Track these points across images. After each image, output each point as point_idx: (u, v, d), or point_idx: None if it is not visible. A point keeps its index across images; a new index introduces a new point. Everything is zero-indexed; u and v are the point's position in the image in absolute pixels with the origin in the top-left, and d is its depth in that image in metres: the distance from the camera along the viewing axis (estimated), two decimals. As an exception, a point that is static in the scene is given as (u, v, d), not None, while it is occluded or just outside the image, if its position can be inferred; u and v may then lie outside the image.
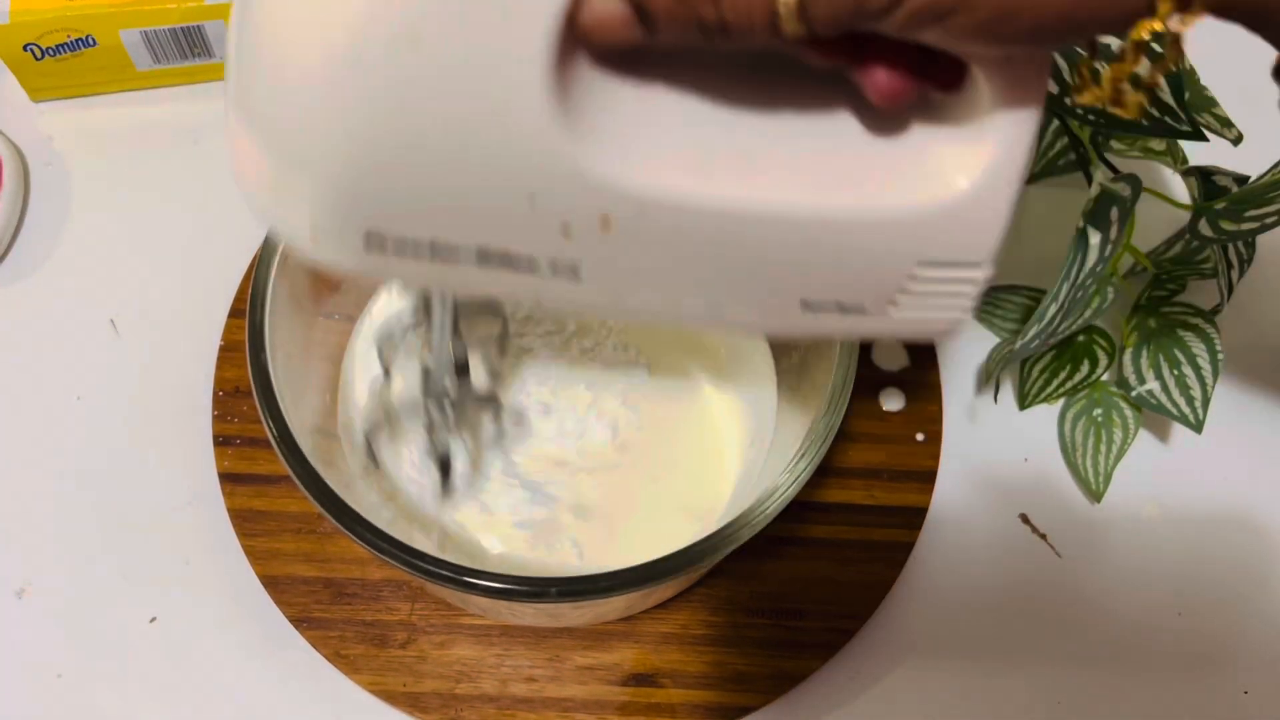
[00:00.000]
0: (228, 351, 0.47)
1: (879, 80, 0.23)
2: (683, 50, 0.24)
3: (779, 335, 0.29)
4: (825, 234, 0.26)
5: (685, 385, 0.44)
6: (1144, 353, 0.45)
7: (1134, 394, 0.45)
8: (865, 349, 0.48)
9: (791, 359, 0.42)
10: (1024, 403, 0.47)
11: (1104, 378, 0.46)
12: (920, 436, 0.46)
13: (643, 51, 0.24)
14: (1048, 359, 0.47)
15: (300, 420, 0.35)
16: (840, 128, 0.26)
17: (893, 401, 0.47)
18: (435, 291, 0.35)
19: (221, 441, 0.45)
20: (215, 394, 0.46)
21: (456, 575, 0.31)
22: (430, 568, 0.31)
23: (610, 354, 0.44)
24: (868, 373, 0.48)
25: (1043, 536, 0.46)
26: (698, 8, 0.22)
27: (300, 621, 0.42)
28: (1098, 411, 0.46)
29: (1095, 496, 0.46)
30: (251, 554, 0.43)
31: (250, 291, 0.35)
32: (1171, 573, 0.45)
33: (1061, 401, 0.47)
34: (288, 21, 0.23)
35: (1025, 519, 0.46)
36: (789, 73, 0.25)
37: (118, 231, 0.51)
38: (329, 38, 0.22)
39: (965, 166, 0.25)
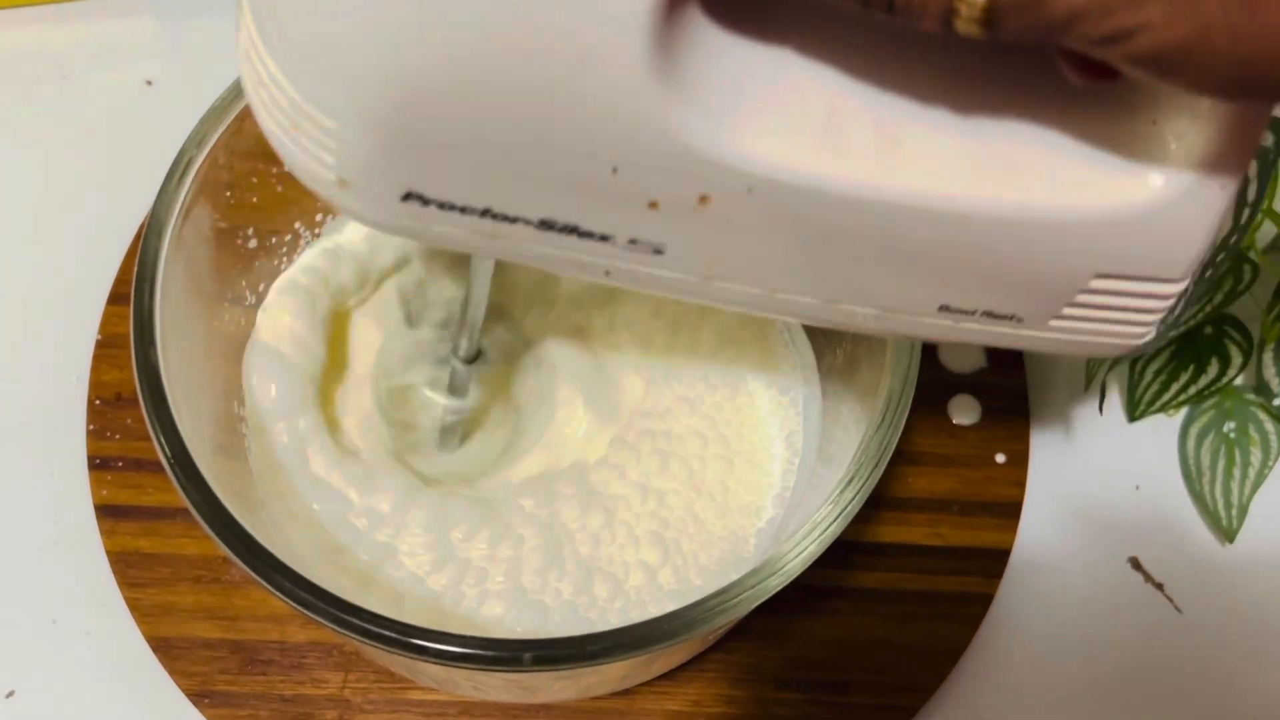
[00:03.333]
0: (106, 348, 0.47)
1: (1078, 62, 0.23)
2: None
3: (910, 336, 0.30)
4: (981, 235, 0.26)
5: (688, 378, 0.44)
6: (1291, 350, 0.45)
7: (1277, 403, 0.45)
8: (930, 346, 0.48)
9: (836, 357, 0.42)
10: (1134, 413, 0.47)
11: (1238, 382, 0.46)
12: (1001, 458, 0.47)
13: None
14: (1165, 357, 0.47)
15: (201, 436, 0.35)
16: (1010, 106, 0.26)
17: (965, 413, 0.47)
18: (478, 260, 0.36)
19: (98, 464, 0.45)
20: (90, 403, 0.46)
21: (403, 636, 0.31)
22: (369, 626, 0.31)
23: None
24: (933, 376, 0.48)
25: (1159, 587, 0.46)
26: None
27: (200, 696, 0.42)
28: (1229, 426, 0.46)
29: (1227, 535, 0.46)
30: (137, 609, 0.43)
31: (136, 270, 0.35)
32: (1325, 633, 0.45)
33: (1183, 413, 0.47)
34: None
35: (1136, 564, 0.46)
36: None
37: (-36, 193, 0.51)
38: None
39: (1169, 160, 0.25)
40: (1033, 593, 0.45)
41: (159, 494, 0.44)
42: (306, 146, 0.26)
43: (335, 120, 0.25)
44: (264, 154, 0.39)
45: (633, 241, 0.27)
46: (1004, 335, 0.29)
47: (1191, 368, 0.46)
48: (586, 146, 0.25)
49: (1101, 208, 0.26)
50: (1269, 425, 0.46)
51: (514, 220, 0.27)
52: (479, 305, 0.38)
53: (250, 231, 0.41)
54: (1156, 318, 0.28)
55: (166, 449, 0.33)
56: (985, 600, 0.44)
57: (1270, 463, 0.45)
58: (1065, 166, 0.26)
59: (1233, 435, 0.46)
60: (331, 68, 0.24)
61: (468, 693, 0.42)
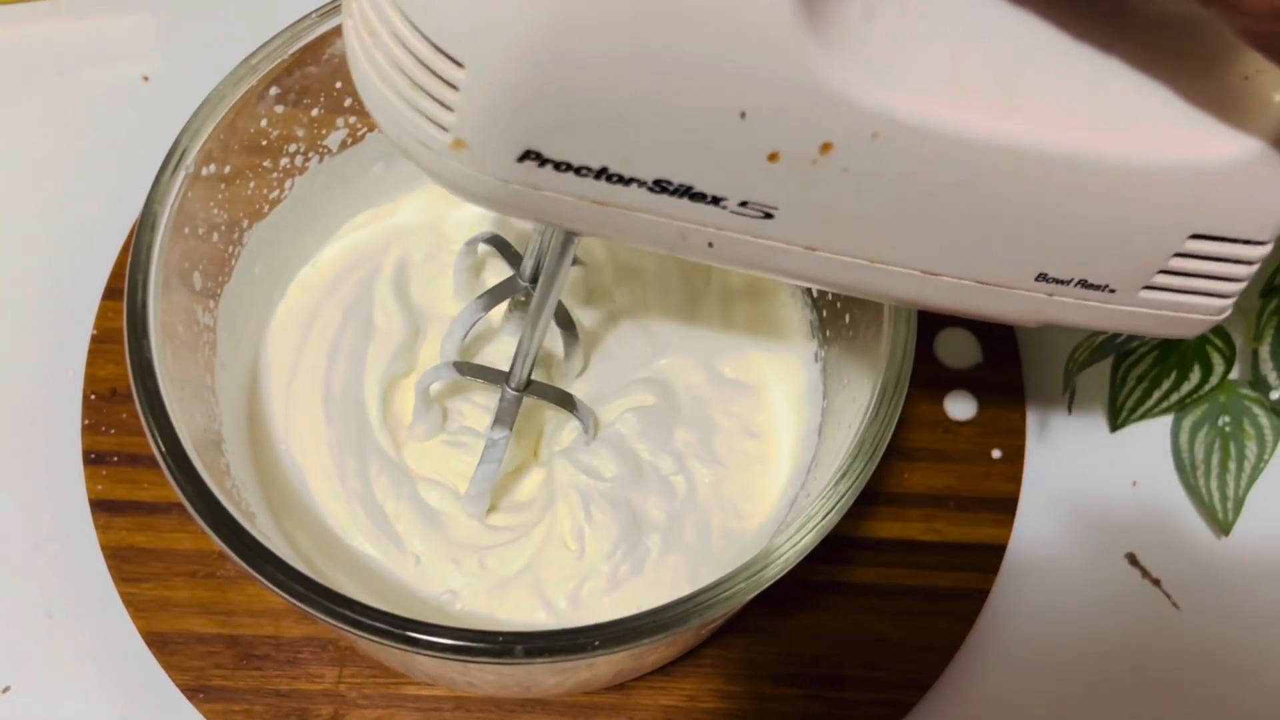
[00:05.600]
0: (102, 343, 0.47)
1: None
2: None
3: (996, 315, 0.32)
4: (1088, 186, 0.27)
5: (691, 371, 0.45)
6: (1286, 344, 0.45)
7: (1274, 396, 0.45)
8: (926, 340, 0.48)
9: (831, 349, 0.42)
10: (1117, 420, 0.47)
11: (1233, 376, 0.46)
12: (997, 453, 0.47)
13: None
14: (1148, 362, 0.47)
15: (196, 431, 0.35)
16: (1117, 63, 0.27)
17: (962, 408, 0.47)
18: (559, 247, 0.35)
19: (94, 459, 0.45)
20: (85, 398, 0.46)
21: (396, 629, 0.31)
22: (362, 619, 0.31)
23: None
24: (930, 372, 0.48)
25: (1156, 582, 0.46)
26: None
27: (195, 691, 0.42)
28: (1224, 420, 0.46)
29: (1222, 528, 0.46)
30: (132, 604, 0.43)
31: (129, 262, 0.35)
32: (1322, 629, 0.45)
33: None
34: None
35: (1133, 559, 0.46)
36: None
37: (-40, 188, 0.51)
38: None
39: (1262, 117, 0.26)
40: (1029, 588, 0.45)
41: (154, 489, 0.44)
42: (425, 107, 0.25)
43: (467, 65, 0.24)
44: (258, 147, 0.40)
45: (744, 204, 0.27)
46: (1094, 310, 0.30)
47: (1174, 374, 0.46)
48: (721, 86, 0.25)
49: (1199, 161, 0.27)
50: (1264, 419, 0.46)
51: (629, 182, 0.27)
52: (539, 336, 0.37)
53: (246, 224, 0.41)
54: (1238, 287, 0.30)
55: (160, 442, 0.33)
56: (981, 596, 0.44)
57: (1266, 456, 0.46)
58: (1168, 121, 0.27)
59: (1228, 429, 0.46)
60: (468, 11, 0.24)
61: (462, 688, 0.42)
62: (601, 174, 0.26)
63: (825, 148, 0.26)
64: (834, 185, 0.27)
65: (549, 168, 0.26)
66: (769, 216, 0.28)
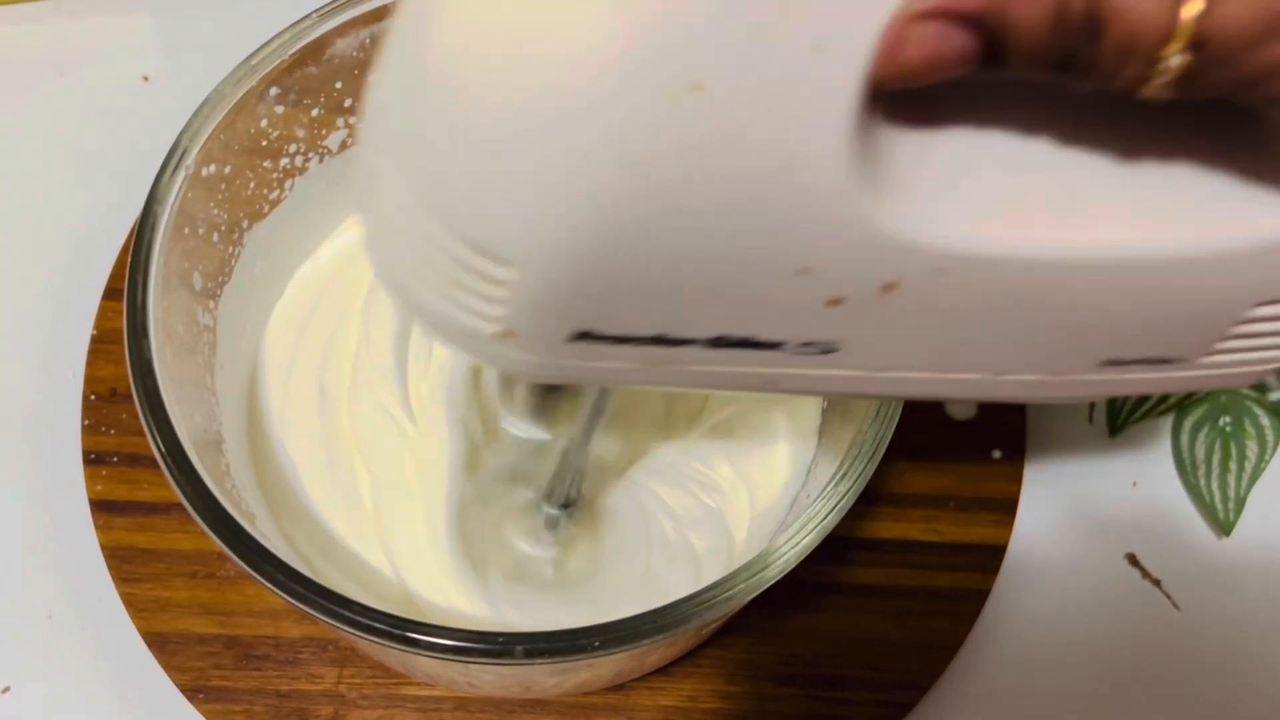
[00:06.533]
0: (102, 343, 0.47)
1: None
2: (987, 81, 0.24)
3: (1054, 401, 0.31)
4: (1161, 279, 0.27)
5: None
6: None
7: (1274, 397, 0.45)
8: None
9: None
10: (1116, 424, 0.47)
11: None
12: (997, 454, 0.47)
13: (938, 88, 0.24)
14: None
15: (196, 431, 0.35)
16: (1168, 151, 0.26)
17: (962, 409, 0.47)
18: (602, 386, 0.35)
19: (94, 459, 0.45)
20: (85, 398, 0.46)
21: (396, 629, 0.31)
22: (363, 619, 0.31)
23: None
24: (930, 371, 0.48)
25: (1156, 583, 0.46)
26: (1073, 42, 0.21)
27: (195, 692, 0.42)
28: (1225, 420, 0.46)
29: (1223, 529, 0.46)
30: (132, 604, 0.43)
31: (129, 262, 0.35)
32: (1322, 629, 0.45)
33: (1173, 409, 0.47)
34: (509, 46, 0.21)
35: (1133, 560, 0.46)
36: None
37: (-40, 188, 0.51)
38: (575, 72, 0.21)
39: None
40: (1029, 589, 0.45)
41: (154, 489, 0.44)
42: (467, 303, 0.25)
43: (512, 267, 0.24)
44: (258, 148, 0.40)
45: (805, 345, 0.27)
46: (1159, 380, 0.30)
47: (1172, 375, 0.46)
48: (778, 251, 0.24)
49: (1268, 235, 0.26)
50: (1265, 419, 0.46)
51: (685, 343, 0.26)
52: (584, 451, 0.37)
53: (246, 224, 0.41)
54: None
55: (160, 442, 0.33)
56: (981, 596, 0.44)
57: (1267, 456, 0.46)
58: (1231, 201, 0.26)
59: (1228, 429, 0.46)
60: (513, 210, 0.23)
61: (462, 688, 0.42)
62: (657, 340, 0.26)
63: (888, 287, 0.25)
64: (898, 317, 0.26)
65: (602, 343, 0.26)
66: (830, 352, 0.27)
